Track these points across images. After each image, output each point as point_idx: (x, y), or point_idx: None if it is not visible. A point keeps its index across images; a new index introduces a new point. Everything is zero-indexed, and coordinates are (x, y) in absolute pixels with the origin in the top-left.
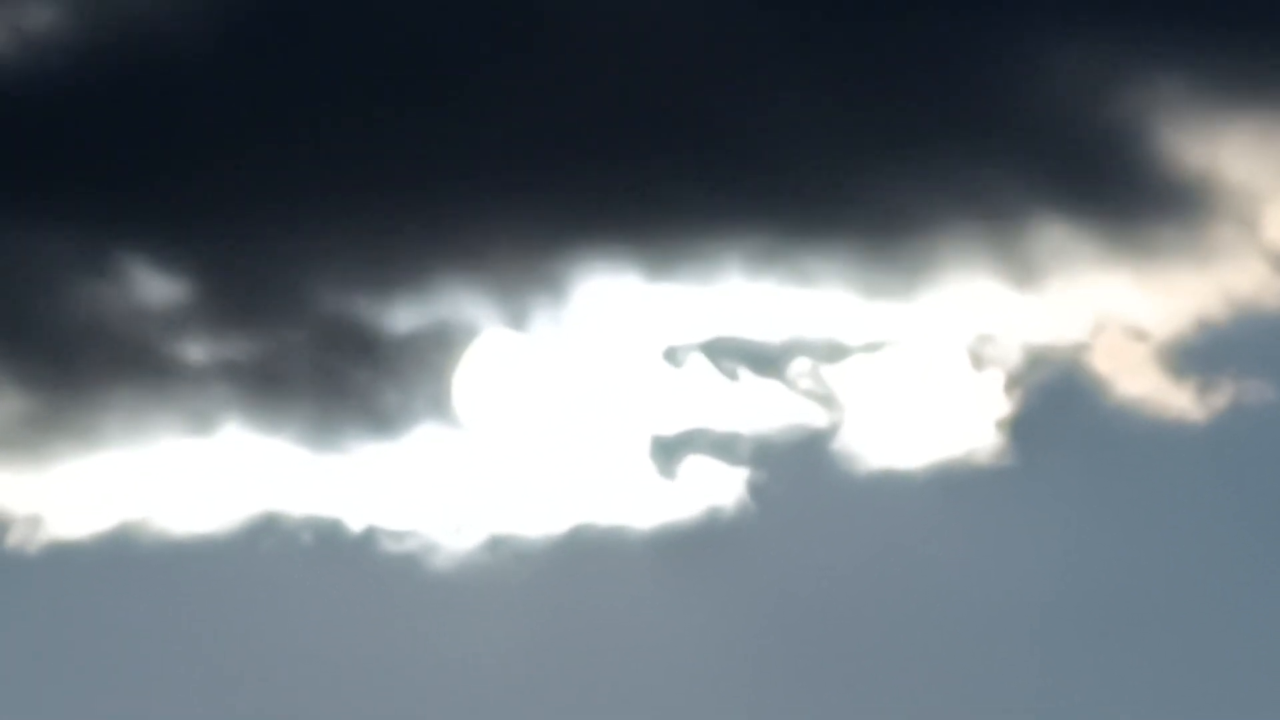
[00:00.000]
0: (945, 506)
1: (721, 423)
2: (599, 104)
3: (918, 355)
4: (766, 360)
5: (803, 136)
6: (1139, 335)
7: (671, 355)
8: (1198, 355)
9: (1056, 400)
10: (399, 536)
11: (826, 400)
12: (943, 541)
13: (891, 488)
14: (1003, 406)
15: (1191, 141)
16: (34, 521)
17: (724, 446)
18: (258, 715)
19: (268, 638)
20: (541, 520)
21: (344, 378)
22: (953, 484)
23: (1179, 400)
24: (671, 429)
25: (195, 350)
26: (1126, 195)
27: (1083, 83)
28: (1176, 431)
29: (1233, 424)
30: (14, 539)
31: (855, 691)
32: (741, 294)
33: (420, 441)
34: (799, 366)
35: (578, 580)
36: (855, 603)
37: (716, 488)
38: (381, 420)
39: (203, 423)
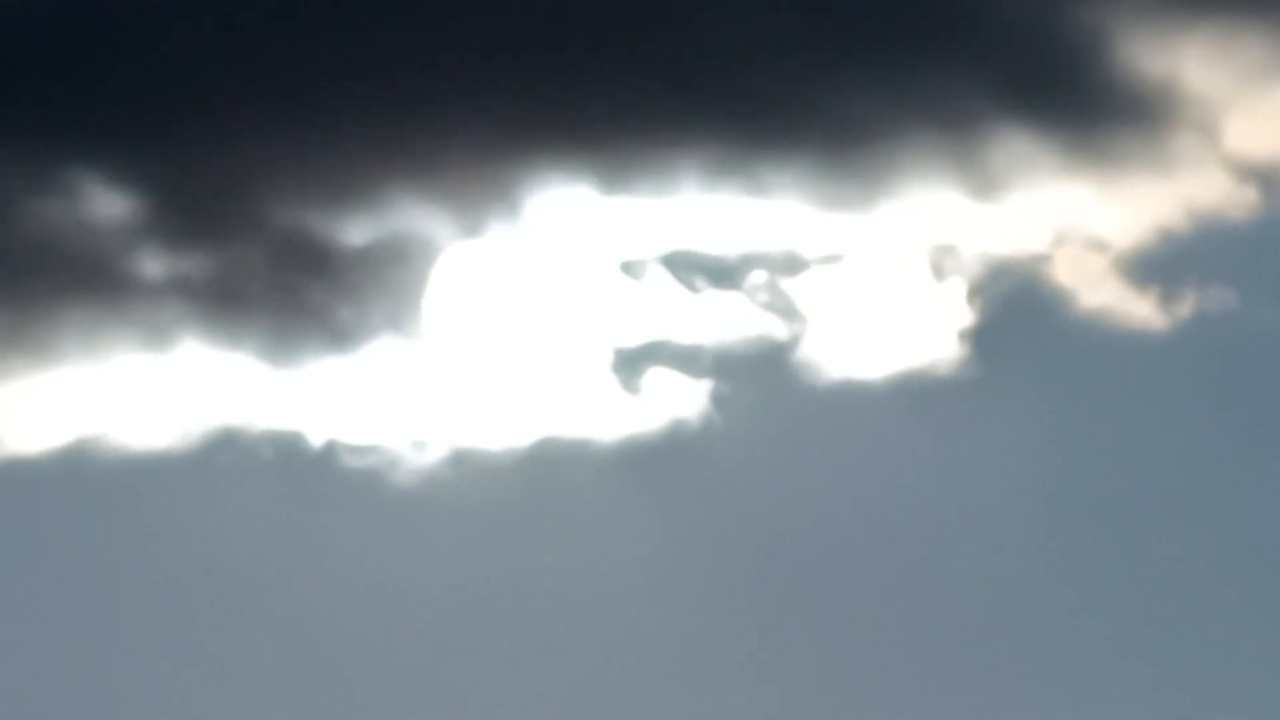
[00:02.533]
0: (907, 417)
1: (682, 335)
2: (552, 14)
3: (877, 266)
4: (725, 272)
5: (758, 46)
6: (1100, 245)
7: (629, 268)
8: (1159, 265)
9: (1018, 310)
10: (360, 451)
11: (787, 312)
12: (905, 451)
13: (853, 398)
14: (964, 317)
15: (1152, 50)
16: None
17: (686, 359)
18: (218, 634)
19: (227, 555)
20: (504, 434)
21: (301, 292)
22: (914, 394)
23: (1141, 310)
24: (632, 341)
25: (150, 266)
26: (1087, 104)
27: None
28: (1139, 341)
29: (1195, 332)
30: None
31: (816, 604)
32: (698, 206)
33: (379, 356)
34: (757, 278)
35: (542, 494)
36: (818, 513)
37: (679, 400)
38: (339, 334)
39: (159, 338)
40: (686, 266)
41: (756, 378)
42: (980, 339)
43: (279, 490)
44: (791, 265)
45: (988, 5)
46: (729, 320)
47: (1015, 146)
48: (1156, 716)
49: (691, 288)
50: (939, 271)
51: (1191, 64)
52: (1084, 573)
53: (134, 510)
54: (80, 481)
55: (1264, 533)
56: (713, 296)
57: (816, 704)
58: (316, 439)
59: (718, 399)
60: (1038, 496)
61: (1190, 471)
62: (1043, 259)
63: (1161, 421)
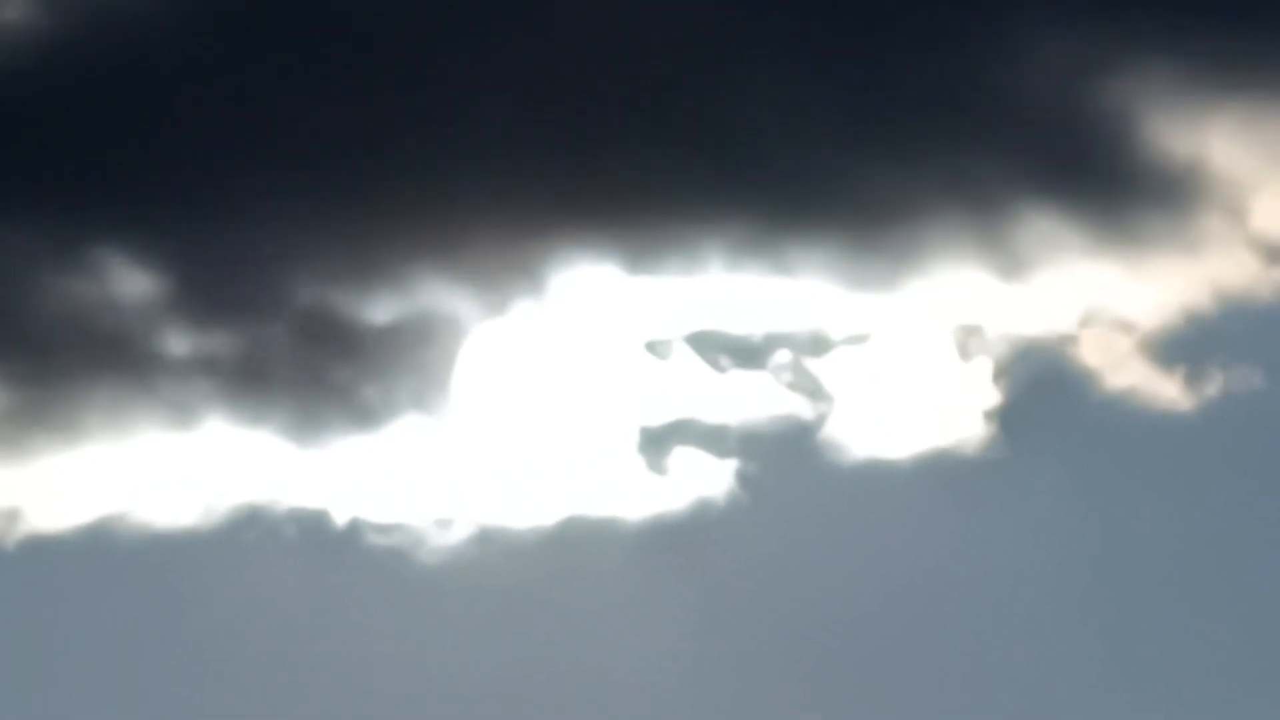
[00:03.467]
0: (933, 496)
1: (708, 414)
2: (579, 94)
3: (903, 346)
4: (751, 352)
5: (785, 126)
6: (1126, 326)
7: (654, 347)
8: (1185, 345)
9: (1044, 391)
10: (385, 530)
11: (813, 391)
12: (930, 531)
13: (879, 478)
14: (990, 397)
15: (1179, 131)
16: (13, 515)
17: (712, 438)
18: (243, 712)
19: (253, 632)
20: (530, 513)
21: (326, 370)
22: (940, 474)
23: (1167, 390)
24: (658, 420)
25: (176, 344)
26: (1114, 185)
27: (1070, 71)
28: (1165, 422)
29: (1221, 413)
30: None
31: (843, 683)
32: (724, 285)
33: (404, 434)
34: (782, 358)
35: (568, 573)
36: (844, 593)
37: (705, 479)
38: (364, 413)
39: (184, 416)
40: (712, 346)
41: (782, 457)
42: (1006, 419)
43: (303, 568)
44: (817, 345)
45: (1015, 86)
46: (755, 399)
47: (1042, 227)
48: None
49: (717, 367)
50: (965, 351)
51: (1219, 145)
52: (1110, 654)
53: (158, 588)
54: (104, 559)
55: None
56: (738, 376)
57: None
58: (341, 517)
59: (743, 478)
60: (1064, 577)
61: (1217, 552)
62: (1069, 339)
63: (1188, 502)
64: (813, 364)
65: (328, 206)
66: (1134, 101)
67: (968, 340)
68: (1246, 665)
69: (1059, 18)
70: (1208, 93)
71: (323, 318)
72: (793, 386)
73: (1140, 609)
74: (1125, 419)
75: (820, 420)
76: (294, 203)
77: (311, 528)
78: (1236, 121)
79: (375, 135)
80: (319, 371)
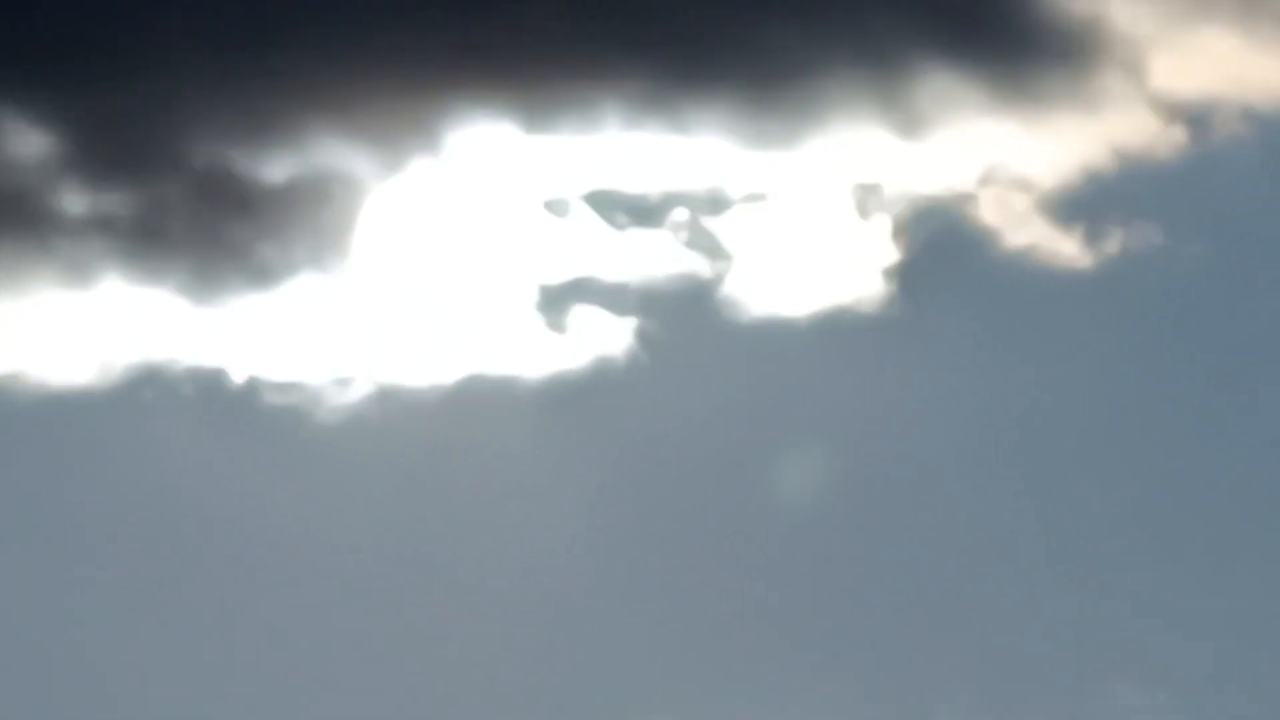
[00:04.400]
0: (831, 353)
1: (607, 272)
2: None
3: (802, 204)
4: (649, 210)
5: None
6: (1025, 184)
7: (553, 206)
8: (1084, 203)
9: (943, 249)
10: (283, 388)
11: (712, 249)
12: (829, 388)
13: (778, 335)
14: (889, 255)
15: None
16: None
17: (611, 296)
18: (141, 571)
19: (150, 492)
20: (428, 371)
21: (223, 229)
22: (839, 331)
23: (1066, 248)
24: (557, 279)
25: (71, 203)
26: (1013, 43)
27: None
28: (1064, 279)
29: (1120, 271)
30: None
31: (738, 540)
32: (622, 144)
33: (301, 293)
34: (681, 216)
35: (467, 432)
36: (741, 451)
37: (604, 337)
38: (261, 271)
39: (80, 275)
40: (610, 204)
41: (681, 315)
42: (905, 277)
43: (201, 427)
44: (716, 203)
45: None
46: (653, 258)
47: (941, 85)
48: (1090, 654)
49: (616, 225)
50: (864, 209)
51: (1118, 2)
52: (1007, 510)
53: (54, 447)
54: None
55: (1187, 468)
56: (637, 234)
57: (735, 640)
58: (238, 376)
59: (643, 336)
60: (961, 433)
61: (1115, 407)
62: (968, 197)
63: (1086, 359)
64: (711, 222)
65: (223, 66)
66: None
67: (866, 198)
68: (1147, 519)
69: None
70: None
71: (219, 176)
72: (691, 245)
73: (1039, 465)
74: (1024, 277)
75: (719, 278)
76: (189, 61)
77: (209, 386)
78: None
79: None
80: (216, 230)
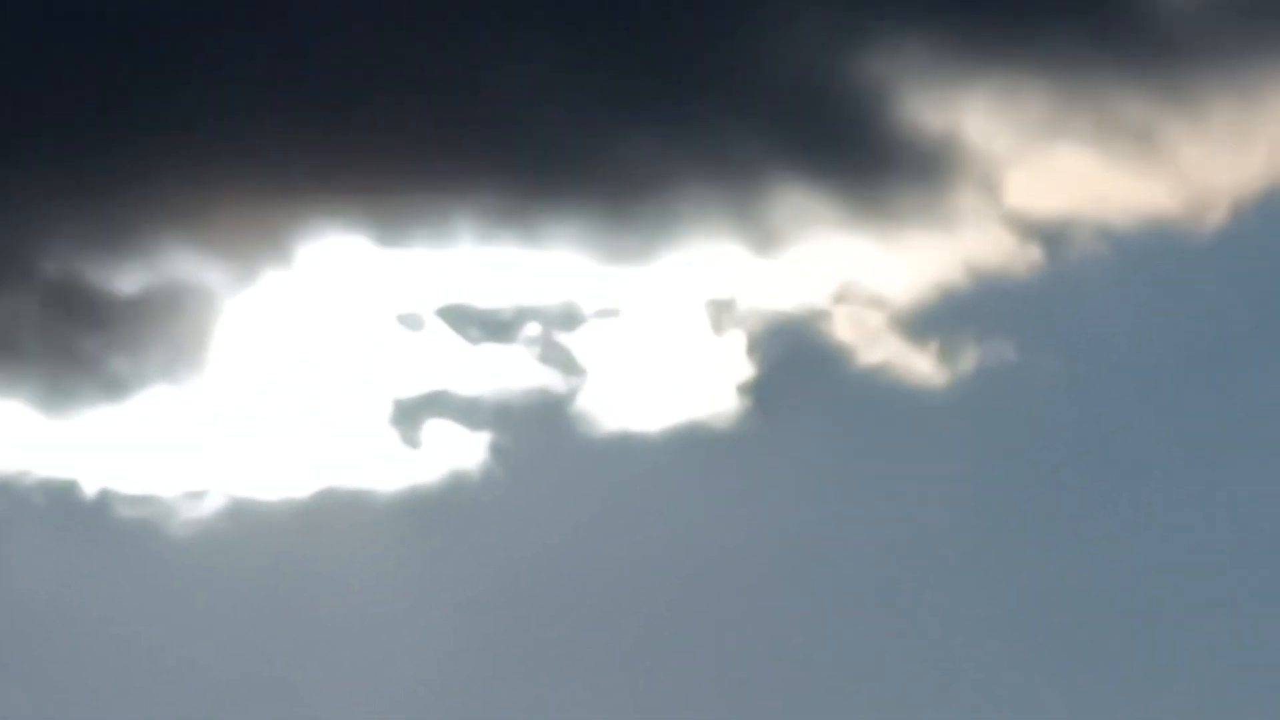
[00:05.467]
0: (685, 469)
1: (462, 387)
2: (326, 64)
3: (656, 319)
4: (502, 325)
5: (537, 95)
6: (880, 301)
7: (406, 320)
8: (939, 320)
9: (796, 365)
10: (135, 501)
11: (566, 364)
12: (683, 503)
13: (632, 450)
14: (742, 371)
15: (933, 105)
16: None
17: (465, 410)
18: None
19: (0, 602)
20: (282, 484)
21: (74, 341)
22: (693, 446)
23: (920, 365)
24: (411, 393)
25: None
26: (868, 159)
27: (824, 44)
28: (918, 396)
29: (975, 388)
30: None
31: (595, 658)
32: (475, 258)
33: (154, 405)
34: (534, 331)
35: (321, 546)
36: (596, 566)
37: (459, 451)
38: (113, 383)
39: None
40: (463, 319)
41: (535, 429)
42: (758, 393)
43: (52, 539)
44: (570, 318)
45: (769, 57)
46: (508, 372)
47: (795, 201)
48: None
49: (470, 340)
50: (718, 325)
51: (973, 119)
52: (858, 627)
53: None
54: None
55: (1039, 587)
56: (491, 349)
57: None
58: (91, 488)
59: (497, 450)
60: (813, 550)
61: (969, 524)
62: (822, 314)
63: (940, 476)
64: (565, 337)
65: (74, 175)
66: (888, 76)
67: (720, 314)
68: (1000, 631)
69: None
70: (962, 67)
71: (70, 287)
72: (545, 359)
73: (889, 585)
74: (878, 393)
75: (573, 393)
76: (39, 171)
77: (60, 498)
78: (990, 97)
79: (120, 103)
80: (67, 341)
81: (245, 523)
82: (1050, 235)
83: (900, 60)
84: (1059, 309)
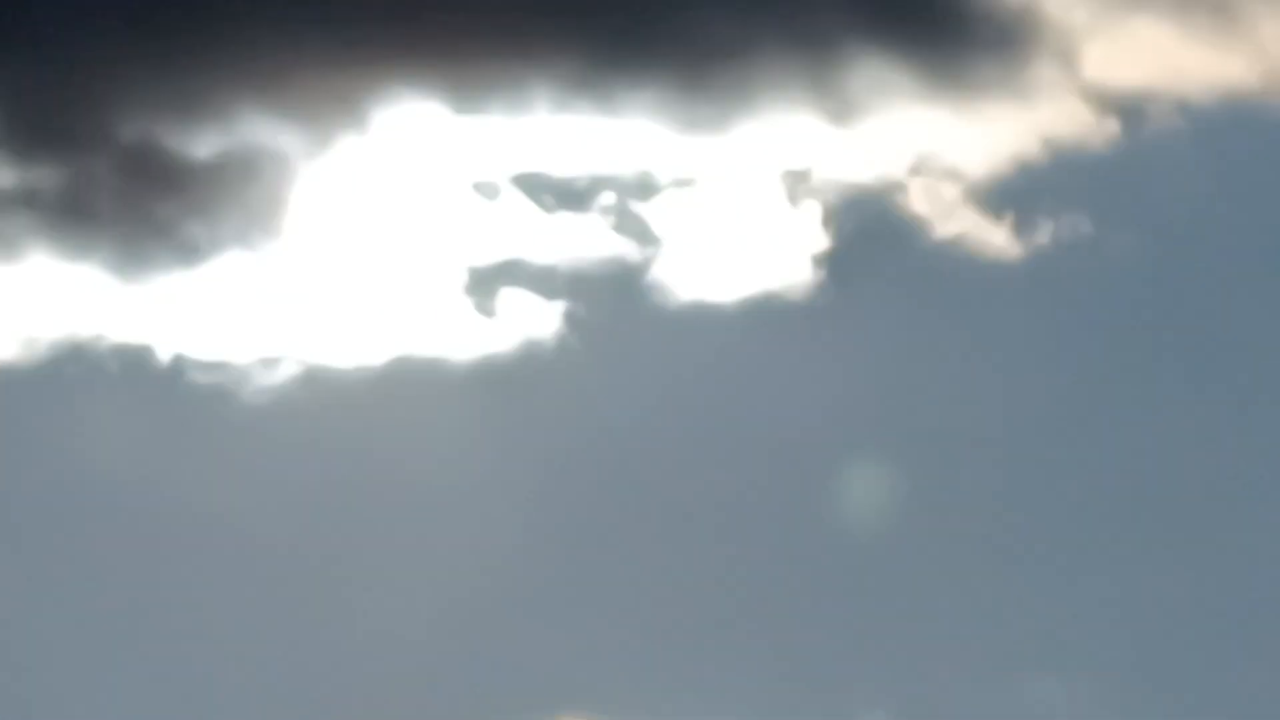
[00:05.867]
0: (760, 340)
1: (536, 256)
2: None
3: (731, 189)
4: (577, 194)
5: None
6: (956, 173)
7: (481, 188)
8: (1015, 193)
9: (872, 237)
10: (209, 368)
11: (641, 234)
12: (757, 374)
13: (706, 320)
14: (818, 242)
15: None
16: None
17: (540, 279)
18: (63, 551)
19: (73, 471)
20: (356, 352)
21: (149, 206)
22: (767, 318)
23: (996, 238)
24: (486, 261)
25: None
26: (946, 30)
27: None
28: (993, 269)
29: (1050, 262)
30: None
31: (666, 525)
32: (550, 126)
33: (229, 271)
34: (609, 200)
35: (395, 414)
36: (669, 435)
37: (533, 320)
38: (189, 249)
39: (6, 249)
40: (539, 187)
41: (610, 299)
42: (834, 264)
43: (126, 405)
44: (645, 187)
45: None
46: (583, 241)
47: (872, 71)
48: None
49: (545, 208)
50: (793, 196)
51: None
52: (932, 498)
53: None
54: None
55: (1114, 458)
56: (566, 218)
57: (662, 623)
58: (164, 354)
59: (571, 320)
60: (887, 421)
61: (1042, 398)
62: (898, 186)
63: (1014, 349)
64: (640, 206)
65: (151, 40)
66: None
67: (796, 185)
68: (1073, 509)
69: None
70: None
71: (146, 152)
72: (620, 229)
73: (965, 453)
74: (953, 266)
75: (647, 263)
76: (117, 36)
77: (134, 364)
78: None
79: None
80: (143, 206)
81: (319, 390)
82: (1127, 108)
83: None
84: (1135, 183)
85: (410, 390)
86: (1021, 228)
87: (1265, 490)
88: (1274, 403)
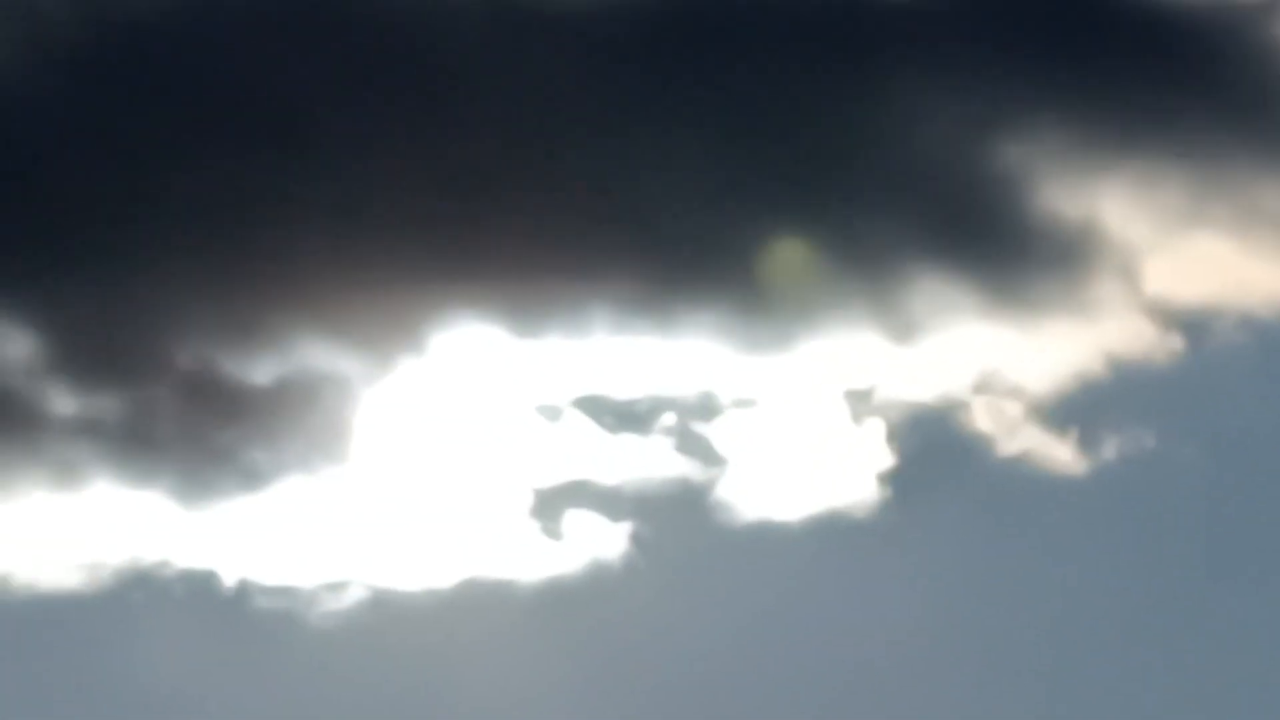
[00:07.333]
0: (825, 558)
1: (601, 476)
2: (461, 154)
3: (794, 409)
4: (639, 415)
5: (671, 185)
6: (1019, 390)
7: (543, 410)
8: (1078, 409)
9: (936, 454)
10: (274, 592)
11: (705, 454)
12: (823, 593)
13: (772, 539)
14: (882, 460)
15: (1071, 193)
16: None
17: (605, 500)
18: None
19: (141, 696)
20: (423, 575)
21: (211, 432)
22: (832, 536)
23: (1060, 454)
24: (551, 483)
25: (60, 405)
26: (1006, 248)
27: (963, 133)
28: (1058, 485)
29: (1115, 476)
30: None
31: None
32: (610, 348)
33: (292, 495)
34: (670, 421)
35: (463, 637)
36: (737, 655)
37: (599, 541)
38: (251, 474)
39: (69, 477)
40: (601, 409)
41: (676, 519)
42: (898, 482)
43: (192, 630)
44: (707, 408)
45: (908, 147)
46: (647, 462)
47: (934, 289)
48: None
49: (608, 429)
50: (856, 414)
51: (1111, 207)
52: (1001, 716)
53: (43, 650)
54: None
55: (1188, 672)
56: (629, 439)
57: None
58: (230, 578)
59: (638, 540)
60: (954, 639)
61: (1111, 614)
62: (961, 404)
63: (1080, 565)
64: (703, 427)
65: (210, 267)
66: (1026, 163)
67: (859, 403)
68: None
69: (951, 78)
70: (1100, 155)
71: (206, 379)
72: (682, 449)
73: (1033, 673)
74: (1018, 483)
75: (712, 482)
76: (176, 263)
77: (200, 589)
78: (1129, 184)
79: (257, 194)
80: (204, 432)
81: (386, 614)
82: (1190, 323)
83: (1039, 148)
84: (1199, 397)
85: (478, 613)
86: (1086, 444)
87: None
88: None
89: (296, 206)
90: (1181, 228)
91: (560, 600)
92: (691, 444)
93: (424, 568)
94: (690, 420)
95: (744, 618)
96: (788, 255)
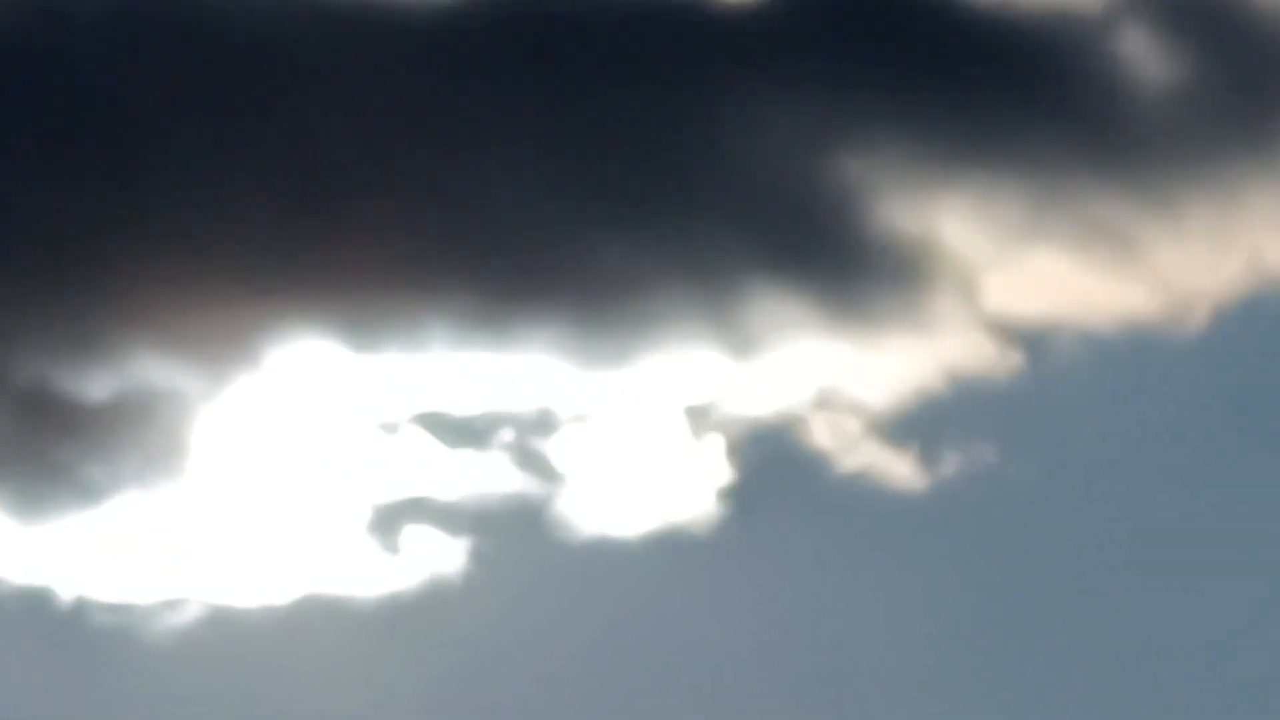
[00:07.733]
0: (664, 574)
1: (440, 493)
2: (296, 169)
3: (633, 424)
4: (477, 431)
5: (510, 198)
6: (858, 405)
7: (381, 426)
8: (918, 425)
9: (775, 470)
10: (111, 609)
11: (543, 470)
12: (661, 608)
13: (610, 555)
14: (722, 476)
15: (909, 208)
16: None
17: (444, 516)
18: None
19: None
20: (261, 592)
21: (46, 448)
22: (671, 551)
23: (900, 470)
24: (389, 499)
25: None
26: (845, 263)
27: (800, 146)
28: (898, 500)
29: (955, 492)
30: None
31: None
32: (448, 363)
33: (129, 511)
34: (510, 437)
35: (301, 654)
36: (574, 671)
37: (438, 557)
38: (87, 490)
39: None
40: (439, 425)
41: (514, 535)
42: (738, 497)
43: (27, 648)
44: (544, 424)
45: (744, 161)
46: (485, 478)
47: (772, 305)
48: None
49: (447, 445)
50: (696, 430)
51: (951, 223)
52: None
53: None
54: None
55: (1026, 688)
56: (467, 455)
57: None
58: (66, 596)
59: (476, 556)
60: (792, 656)
61: (949, 630)
62: (800, 419)
63: (919, 581)
64: (541, 442)
65: (43, 281)
66: (865, 177)
67: (698, 419)
68: None
69: (787, 91)
70: (939, 169)
71: (41, 394)
72: (521, 465)
73: (872, 688)
74: (858, 499)
75: (550, 498)
76: (7, 277)
77: (35, 606)
78: (968, 199)
79: (89, 208)
80: (39, 448)
81: (224, 631)
82: (1030, 339)
83: (877, 162)
84: (1039, 413)
85: (316, 630)
86: (926, 460)
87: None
88: (1182, 626)
89: (132, 221)
90: (1021, 243)
91: (399, 616)
92: (530, 460)
93: (261, 584)
94: (528, 436)
95: (583, 634)
96: None
